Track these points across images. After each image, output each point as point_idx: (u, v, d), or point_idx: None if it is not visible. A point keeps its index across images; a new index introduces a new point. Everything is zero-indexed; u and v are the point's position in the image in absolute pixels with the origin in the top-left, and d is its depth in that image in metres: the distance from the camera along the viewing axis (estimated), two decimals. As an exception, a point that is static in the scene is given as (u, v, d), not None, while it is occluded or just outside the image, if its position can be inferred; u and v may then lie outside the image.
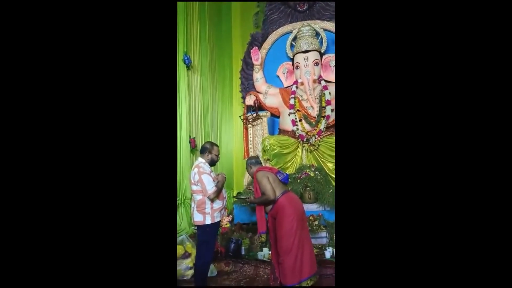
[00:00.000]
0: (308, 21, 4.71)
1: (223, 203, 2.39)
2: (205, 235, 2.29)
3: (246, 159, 3.09)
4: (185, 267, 2.84)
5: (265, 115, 4.51)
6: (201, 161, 2.41)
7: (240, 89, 5.10)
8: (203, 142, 4.64)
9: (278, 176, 2.48)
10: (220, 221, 2.38)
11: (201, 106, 4.71)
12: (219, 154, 2.51)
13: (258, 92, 4.74)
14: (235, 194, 2.90)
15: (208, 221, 2.27)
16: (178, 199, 4.05)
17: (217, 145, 2.51)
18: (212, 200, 2.29)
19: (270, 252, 3.19)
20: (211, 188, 2.25)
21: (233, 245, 3.22)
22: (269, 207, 2.42)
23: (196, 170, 2.32)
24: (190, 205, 2.47)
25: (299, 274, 2.30)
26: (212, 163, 2.46)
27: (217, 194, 2.30)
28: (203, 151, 2.45)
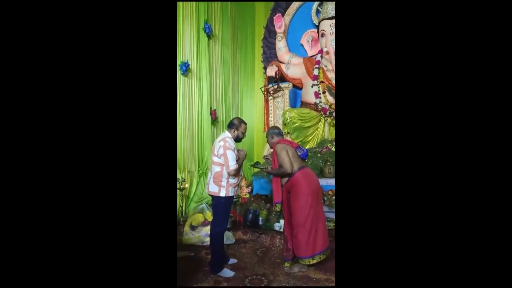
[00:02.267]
0: (336, -17, 4.33)
1: (238, 180, 2.43)
2: (219, 206, 2.37)
3: (268, 128, 3.08)
4: (205, 234, 3.00)
5: (287, 86, 4.38)
6: (227, 135, 2.42)
7: (262, 59, 4.95)
8: (224, 114, 4.76)
9: (297, 151, 2.46)
10: (233, 196, 2.43)
11: (222, 77, 4.66)
12: (245, 132, 2.51)
13: (281, 62, 4.57)
14: (253, 163, 2.93)
15: (222, 193, 2.34)
16: (199, 169, 4.19)
17: (245, 123, 2.51)
18: (229, 174, 2.33)
19: (286, 224, 3.27)
20: (233, 165, 2.29)
21: (250, 215, 3.33)
22: (285, 180, 2.43)
23: (222, 143, 2.34)
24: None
25: (312, 248, 2.34)
26: (238, 139, 2.48)
27: (237, 171, 2.33)
28: (231, 126, 2.46)
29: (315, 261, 2.36)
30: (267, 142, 2.65)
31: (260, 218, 3.40)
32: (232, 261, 2.62)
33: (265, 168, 2.54)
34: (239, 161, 2.38)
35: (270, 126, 4.43)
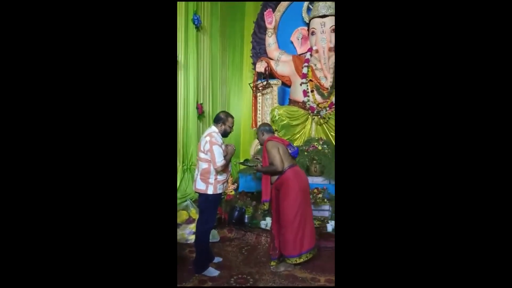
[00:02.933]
0: (328, -18, 4.31)
1: (227, 176, 2.37)
2: (206, 203, 2.30)
3: (259, 125, 3.02)
4: (189, 231, 2.92)
5: (276, 83, 4.33)
6: (214, 130, 2.34)
7: (251, 54, 4.87)
8: (211, 108, 4.66)
9: (288, 148, 2.43)
10: (222, 193, 2.37)
11: (210, 70, 4.55)
12: (233, 126, 2.44)
13: (270, 59, 4.51)
14: (241, 161, 2.86)
15: (210, 191, 2.27)
16: (184, 164, 4.08)
17: (232, 117, 2.43)
18: (217, 171, 2.26)
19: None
20: (220, 161, 2.21)
21: (236, 212, 3.28)
22: (274, 178, 2.40)
23: (208, 138, 2.26)
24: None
25: (299, 247, 2.33)
26: (225, 134, 2.40)
27: (225, 167, 2.27)
28: (217, 120, 2.38)
29: (301, 260, 2.35)
30: (257, 138, 2.60)
31: (246, 216, 3.36)
32: (217, 259, 2.57)
33: (255, 166, 2.49)
34: (227, 156, 2.31)
35: (258, 122, 4.39)
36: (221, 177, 2.31)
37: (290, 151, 2.43)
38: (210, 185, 2.27)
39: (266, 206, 2.43)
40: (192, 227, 2.91)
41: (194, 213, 3.03)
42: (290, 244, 2.31)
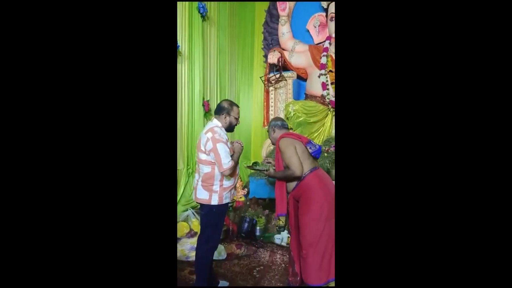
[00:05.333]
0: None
1: (234, 181, 1.89)
2: (210, 217, 1.83)
3: (270, 120, 2.52)
4: (190, 247, 2.46)
5: (290, 76, 3.86)
6: (216, 124, 1.86)
7: (263, 46, 4.42)
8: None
9: (308, 147, 1.92)
10: (229, 203, 1.90)
11: (217, 64, 4.13)
12: (239, 117, 1.95)
13: (283, 49, 4.05)
14: (250, 164, 2.31)
15: (214, 201, 1.80)
16: (189, 167, 3.66)
17: (237, 105, 1.95)
18: (223, 176, 1.80)
19: (289, 236, 2.76)
20: (227, 162, 1.74)
21: (246, 224, 2.81)
22: (292, 185, 1.90)
23: (209, 135, 1.77)
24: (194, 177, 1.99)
25: (327, 273, 1.82)
26: (230, 128, 1.92)
27: (233, 169, 1.80)
28: (220, 111, 1.89)
29: (328, 290, 1.85)
30: (269, 137, 2.10)
31: (258, 228, 2.88)
32: (223, 283, 2.10)
33: (266, 170, 1.98)
34: (235, 156, 1.83)
35: (269, 121, 3.93)
36: (228, 183, 1.84)
37: (310, 150, 1.92)
38: (214, 193, 1.80)
39: (282, 222, 1.91)
40: (193, 241, 2.45)
41: (196, 225, 2.57)
42: (315, 270, 1.81)
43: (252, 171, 3.43)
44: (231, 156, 1.80)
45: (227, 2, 4.33)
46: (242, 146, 1.94)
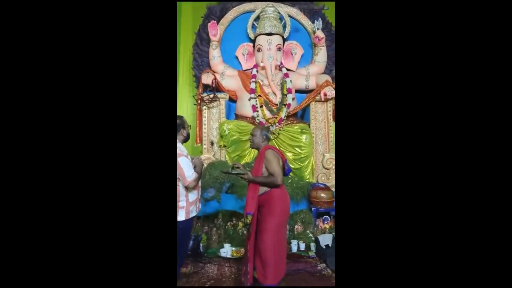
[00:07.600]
0: (272, 2, 4.44)
1: (198, 194, 1.96)
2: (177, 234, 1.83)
3: (261, 127, 2.63)
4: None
5: (223, 97, 4.09)
6: None
7: (192, 66, 4.53)
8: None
9: (285, 165, 2.17)
10: (194, 216, 1.94)
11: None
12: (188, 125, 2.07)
13: (214, 72, 4.27)
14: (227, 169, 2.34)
15: (181, 216, 1.82)
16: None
17: (182, 116, 2.05)
18: (187, 190, 1.84)
19: (232, 249, 2.89)
20: (191, 174, 1.80)
21: (191, 242, 2.78)
22: (262, 190, 2.06)
23: None
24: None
25: (280, 273, 2.07)
26: (185, 140, 1.99)
27: (196, 181, 1.86)
28: (178, 128, 1.94)
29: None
30: (251, 141, 2.21)
31: (201, 245, 2.89)
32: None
33: (245, 174, 2.07)
34: (197, 168, 1.90)
35: (202, 138, 4.01)
36: (193, 196, 1.89)
37: (286, 167, 2.19)
38: (181, 209, 1.82)
39: (249, 220, 2.04)
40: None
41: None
42: (273, 270, 2.01)
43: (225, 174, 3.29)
44: (194, 168, 1.86)
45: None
46: (202, 161, 2.03)
